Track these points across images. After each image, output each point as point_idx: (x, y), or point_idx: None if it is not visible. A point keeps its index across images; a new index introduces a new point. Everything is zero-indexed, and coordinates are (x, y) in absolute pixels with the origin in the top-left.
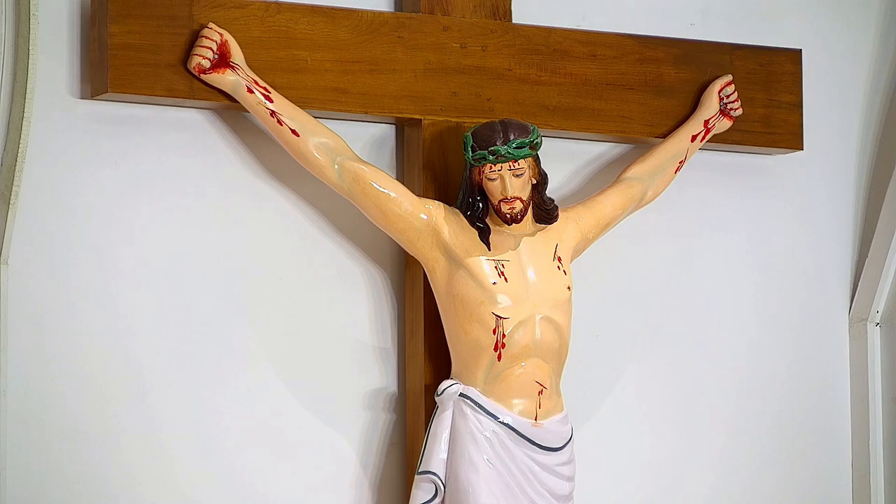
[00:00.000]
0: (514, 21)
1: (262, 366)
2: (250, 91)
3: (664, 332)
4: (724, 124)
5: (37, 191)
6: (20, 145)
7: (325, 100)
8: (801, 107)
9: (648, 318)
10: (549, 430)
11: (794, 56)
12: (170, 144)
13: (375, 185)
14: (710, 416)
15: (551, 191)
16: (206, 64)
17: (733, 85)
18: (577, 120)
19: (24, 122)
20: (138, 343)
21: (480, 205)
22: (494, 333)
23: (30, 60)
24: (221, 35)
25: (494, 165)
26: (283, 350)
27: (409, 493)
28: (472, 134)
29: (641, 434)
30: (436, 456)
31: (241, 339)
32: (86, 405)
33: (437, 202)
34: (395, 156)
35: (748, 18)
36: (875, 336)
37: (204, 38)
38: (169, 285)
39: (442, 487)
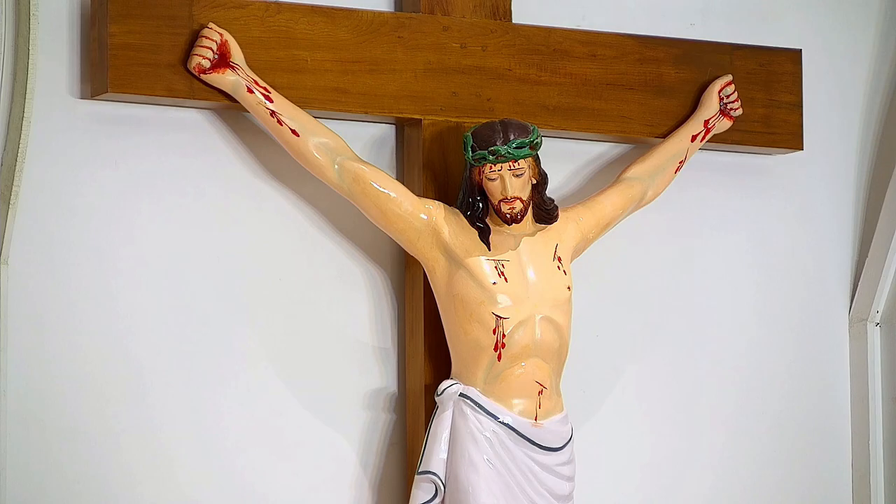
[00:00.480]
0: (514, 21)
1: (262, 366)
2: (250, 91)
3: (664, 332)
4: (724, 124)
5: (37, 191)
6: (20, 145)
7: (325, 100)
8: (801, 107)
9: (648, 318)
10: (549, 430)
11: (794, 56)
12: (170, 144)
13: (375, 185)
14: (710, 416)
15: (551, 191)
16: (206, 64)
17: (733, 85)
18: (577, 120)
19: (24, 122)
20: (138, 343)
21: (480, 205)
22: (494, 333)
23: (30, 60)
24: (221, 35)
25: (494, 165)
26: (283, 350)
27: (409, 493)
28: (472, 134)
29: (641, 434)
30: (436, 456)
31: (241, 339)
32: (86, 405)
33: (437, 202)
34: (395, 156)
35: (748, 18)
36: (875, 336)
37: (204, 38)
38: (169, 285)
39: (442, 487)
